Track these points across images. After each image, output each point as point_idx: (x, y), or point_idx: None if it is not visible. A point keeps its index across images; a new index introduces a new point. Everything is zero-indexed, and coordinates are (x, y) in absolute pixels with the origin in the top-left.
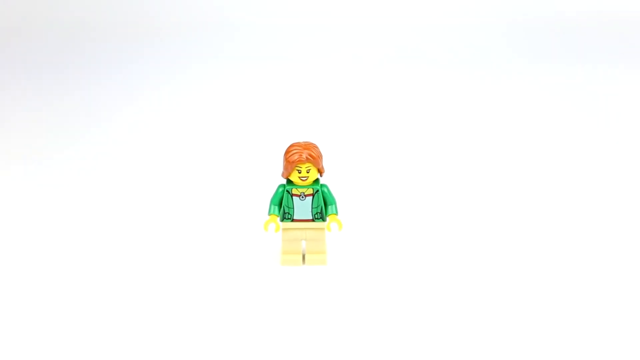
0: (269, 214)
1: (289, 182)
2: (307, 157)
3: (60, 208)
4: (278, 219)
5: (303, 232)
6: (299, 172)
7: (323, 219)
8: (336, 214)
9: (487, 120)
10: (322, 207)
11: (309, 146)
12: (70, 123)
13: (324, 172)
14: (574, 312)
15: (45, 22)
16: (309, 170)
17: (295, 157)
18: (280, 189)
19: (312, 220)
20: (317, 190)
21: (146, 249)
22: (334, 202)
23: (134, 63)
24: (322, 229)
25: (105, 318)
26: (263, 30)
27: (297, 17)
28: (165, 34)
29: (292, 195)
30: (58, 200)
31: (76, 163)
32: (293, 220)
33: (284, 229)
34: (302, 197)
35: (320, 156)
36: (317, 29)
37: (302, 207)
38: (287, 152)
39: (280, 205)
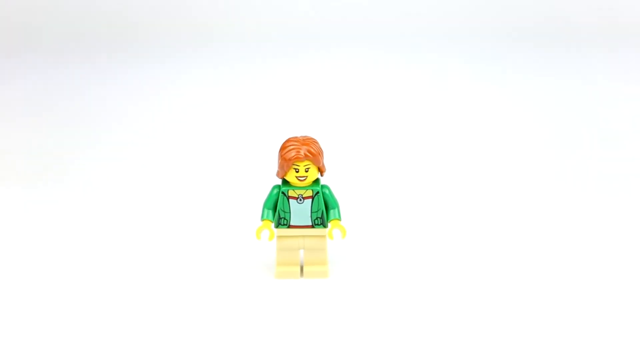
0: (262, 219)
1: (285, 182)
2: (305, 154)
3: (55, 213)
4: (272, 225)
5: (301, 241)
6: (297, 171)
7: (324, 225)
8: (339, 219)
9: (491, 120)
10: (323, 211)
11: (307, 141)
12: (67, 126)
13: (325, 171)
14: (577, 315)
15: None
16: (308, 169)
17: (292, 153)
18: (275, 191)
19: (312, 226)
20: (317, 192)
21: (129, 260)
22: (336, 206)
23: (128, 63)
24: (323, 236)
25: (98, 327)
26: (259, 27)
27: (295, 14)
28: (160, 33)
29: (288, 197)
30: (54, 205)
31: (73, 167)
32: (289, 226)
33: (279, 237)
34: (300, 199)
35: (320, 153)
36: (316, 25)
37: (300, 212)
38: (282, 148)
39: (274, 209)
